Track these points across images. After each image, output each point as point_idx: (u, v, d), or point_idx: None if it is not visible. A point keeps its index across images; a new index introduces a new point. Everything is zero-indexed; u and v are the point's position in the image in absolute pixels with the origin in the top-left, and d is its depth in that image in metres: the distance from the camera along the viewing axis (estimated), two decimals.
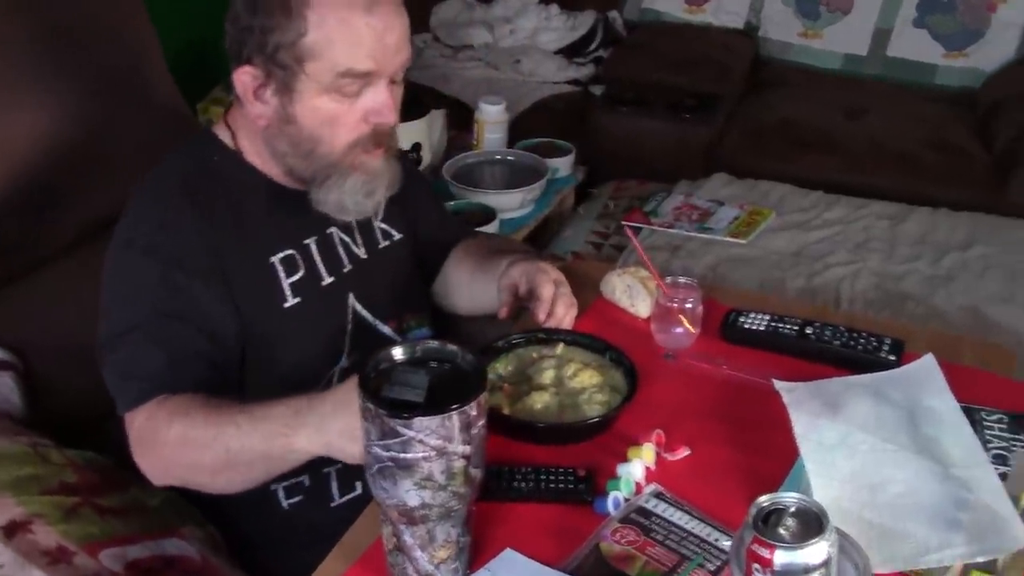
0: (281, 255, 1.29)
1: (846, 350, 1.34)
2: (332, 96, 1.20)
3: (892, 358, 1.34)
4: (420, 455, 0.91)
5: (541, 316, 1.35)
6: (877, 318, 1.94)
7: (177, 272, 1.21)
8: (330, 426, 1.06)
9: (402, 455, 0.91)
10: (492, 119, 2.66)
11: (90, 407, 1.50)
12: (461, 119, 2.85)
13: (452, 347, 0.99)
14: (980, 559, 1.03)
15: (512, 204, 2.48)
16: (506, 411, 1.23)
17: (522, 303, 1.40)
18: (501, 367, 1.32)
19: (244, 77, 1.22)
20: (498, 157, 2.66)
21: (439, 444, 0.91)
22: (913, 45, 3.21)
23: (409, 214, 1.48)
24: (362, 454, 0.96)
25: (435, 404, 0.91)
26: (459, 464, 0.93)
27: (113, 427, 1.24)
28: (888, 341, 1.36)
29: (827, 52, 3.31)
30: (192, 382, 1.18)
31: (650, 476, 1.15)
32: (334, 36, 1.16)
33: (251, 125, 1.27)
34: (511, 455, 1.18)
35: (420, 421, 0.90)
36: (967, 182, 2.75)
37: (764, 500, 0.88)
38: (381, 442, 0.91)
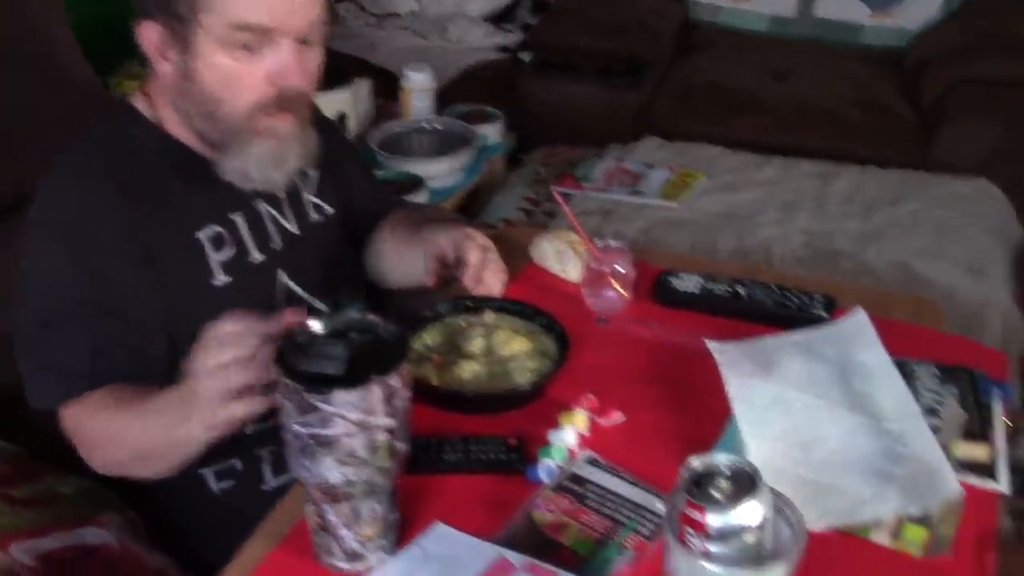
0: (207, 231, 1.23)
1: (777, 308, 1.33)
2: (230, 52, 1.13)
3: (823, 314, 1.33)
4: (341, 431, 0.87)
5: (469, 283, 1.31)
6: (808, 276, 1.94)
7: (95, 257, 1.15)
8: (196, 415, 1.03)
9: (322, 431, 0.87)
10: (418, 87, 2.61)
11: (8, 392, 1.44)
12: (388, 88, 2.79)
13: (373, 317, 0.95)
14: (914, 512, 1.02)
15: (440, 172, 2.44)
16: (435, 382, 1.20)
17: (450, 271, 1.36)
18: (429, 337, 1.29)
19: (147, 32, 1.16)
20: (425, 125, 2.62)
21: (360, 418, 0.87)
22: (839, 6, 3.22)
23: (342, 188, 1.43)
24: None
25: (355, 377, 0.87)
26: (382, 438, 0.89)
27: (26, 414, 1.19)
28: (819, 297, 1.36)
29: (755, 14, 3.31)
30: (116, 374, 1.14)
31: (584, 442, 1.13)
32: None
33: (167, 91, 1.20)
34: (441, 426, 1.15)
35: (339, 395, 0.86)
36: (894, 140, 2.77)
37: (696, 463, 0.86)
38: (300, 419, 0.87)
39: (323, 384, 0.86)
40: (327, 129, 1.40)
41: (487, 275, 1.32)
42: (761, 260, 2.13)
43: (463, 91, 2.96)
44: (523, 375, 1.21)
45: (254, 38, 1.12)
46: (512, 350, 1.25)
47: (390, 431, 0.90)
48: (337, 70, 2.59)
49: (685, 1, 3.37)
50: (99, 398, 1.12)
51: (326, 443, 0.88)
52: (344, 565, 0.97)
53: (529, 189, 2.62)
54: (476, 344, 1.26)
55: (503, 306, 1.32)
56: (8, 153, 1.49)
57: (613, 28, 3.11)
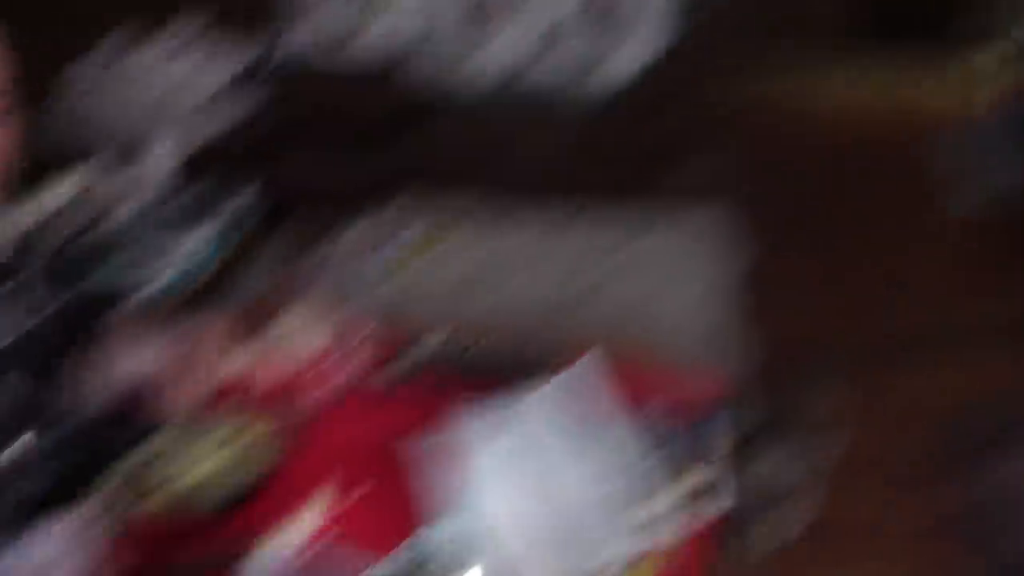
0: None
1: (511, 365, 1.38)
2: None
3: (549, 370, 1.38)
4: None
5: (206, 375, 1.29)
6: (547, 329, 2.02)
7: None
8: None
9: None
10: (158, 160, 2.55)
11: None
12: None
13: None
14: (645, 549, 1.09)
15: (189, 249, 2.37)
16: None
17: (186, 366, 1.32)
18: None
19: None
20: (170, 200, 2.54)
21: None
22: (561, 62, 3.36)
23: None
24: None
25: None
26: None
27: None
28: (549, 351, 1.41)
29: (483, 75, 3.40)
30: None
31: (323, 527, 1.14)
32: None
33: None
34: None
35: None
36: (622, 184, 2.89)
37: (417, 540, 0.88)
38: None
39: None
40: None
41: (225, 364, 1.29)
42: (503, 317, 2.20)
43: (211, 161, 2.89)
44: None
45: None
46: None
47: None
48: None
49: (413, 67, 3.44)
50: None
51: None
52: None
53: (282, 262, 2.58)
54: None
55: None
56: None
57: (356, 96, 3.15)
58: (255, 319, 1.42)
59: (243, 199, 2.67)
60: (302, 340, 1.44)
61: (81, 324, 1.44)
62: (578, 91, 3.36)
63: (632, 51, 3.35)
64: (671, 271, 2.35)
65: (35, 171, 1.28)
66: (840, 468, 2.36)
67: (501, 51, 3.40)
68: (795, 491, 2.26)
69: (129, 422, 1.31)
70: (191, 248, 2.42)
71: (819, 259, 3.52)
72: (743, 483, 1.29)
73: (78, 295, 1.37)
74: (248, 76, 3.36)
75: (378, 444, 1.28)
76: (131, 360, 1.31)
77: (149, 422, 1.29)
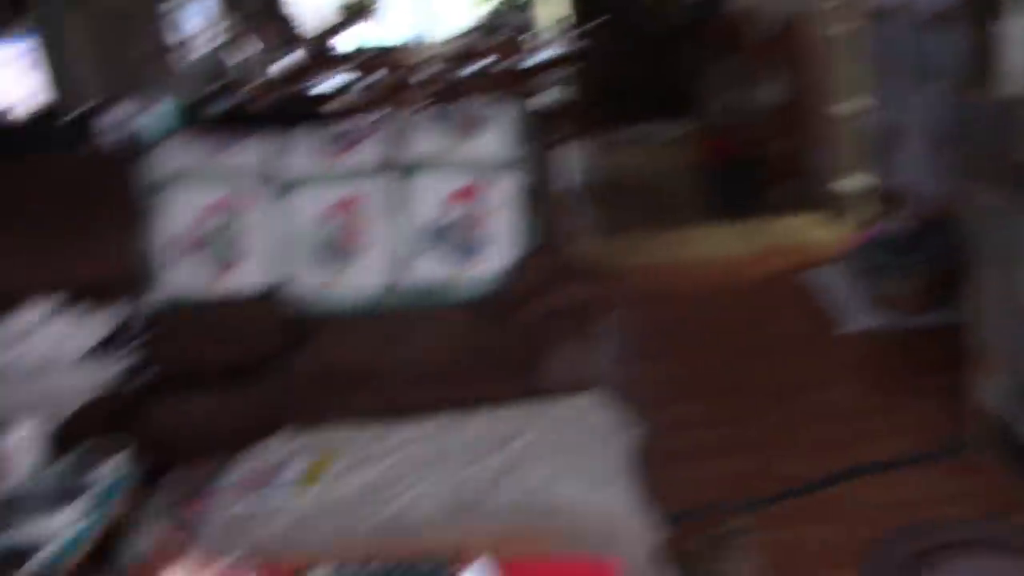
0: None
1: None
2: None
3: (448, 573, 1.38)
4: None
5: None
6: (445, 533, 2.00)
7: None
8: None
9: None
10: (16, 446, 2.47)
11: None
12: None
13: None
14: None
15: (59, 527, 2.28)
16: None
17: None
18: None
19: None
20: (33, 482, 2.45)
21: None
22: (428, 268, 3.47)
23: None
24: None
25: None
26: None
27: None
28: (440, 562, 1.41)
29: (353, 292, 3.48)
30: None
31: None
32: None
33: None
34: None
35: None
36: (505, 378, 2.97)
37: None
38: None
39: None
40: None
41: None
42: (401, 528, 2.17)
43: (81, 430, 2.82)
44: None
45: None
46: None
47: None
48: None
49: (283, 295, 3.50)
50: None
51: None
52: None
53: (170, 516, 2.52)
54: None
55: None
56: None
57: (221, 336, 3.17)
58: None
59: (118, 463, 2.61)
60: None
61: None
62: (452, 292, 3.46)
63: (500, 249, 3.48)
64: (566, 458, 2.37)
65: None
66: None
67: (367, 270, 3.49)
68: None
69: None
70: (69, 520, 2.33)
71: (716, 417, 3.65)
72: None
73: None
74: (113, 337, 3.34)
75: None
76: None
77: None
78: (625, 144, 8.14)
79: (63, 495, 2.38)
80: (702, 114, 6.55)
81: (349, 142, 3.59)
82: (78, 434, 2.79)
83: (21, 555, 2.15)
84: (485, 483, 2.30)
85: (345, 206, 3.50)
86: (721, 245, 5.67)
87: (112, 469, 2.57)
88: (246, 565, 1.36)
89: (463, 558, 1.42)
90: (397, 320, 3.37)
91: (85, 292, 3.46)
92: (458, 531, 1.98)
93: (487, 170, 3.52)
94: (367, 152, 3.55)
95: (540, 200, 3.59)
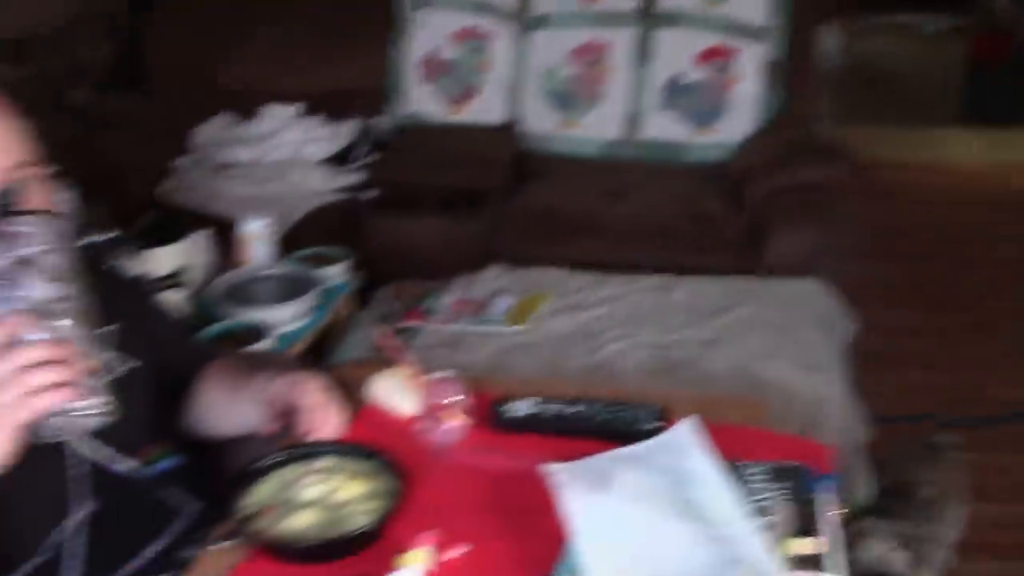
0: None
1: (608, 423, 1.36)
2: None
3: (655, 425, 1.36)
4: (40, 247, 1.06)
5: (308, 429, 1.30)
6: (646, 388, 1.99)
7: None
8: None
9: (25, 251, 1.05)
10: (256, 235, 2.61)
11: None
12: (230, 238, 2.78)
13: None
14: None
15: (284, 318, 2.42)
16: (270, 534, 1.17)
17: (287, 417, 1.35)
18: (264, 491, 1.26)
19: None
20: (267, 272, 2.61)
21: (43, 236, 1.06)
22: (662, 126, 3.39)
23: (147, 340, 1.40)
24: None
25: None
26: (67, 262, 1.09)
27: None
28: (652, 409, 1.39)
29: (584, 139, 3.45)
30: None
31: None
32: None
33: None
34: None
35: (29, 218, 1.07)
36: (724, 249, 2.90)
37: None
38: None
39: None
40: (127, 285, 1.44)
41: (322, 420, 1.31)
42: (608, 376, 2.18)
43: (308, 235, 2.97)
44: (360, 518, 1.20)
45: None
46: (348, 494, 1.23)
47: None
48: (173, 224, 2.58)
49: (516, 131, 3.50)
50: None
51: (31, 262, 1.05)
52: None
53: (379, 327, 2.62)
54: (312, 491, 1.24)
55: (340, 450, 1.31)
56: None
57: (450, 162, 3.20)
58: (350, 383, 1.43)
59: (339, 270, 2.72)
60: (398, 402, 1.45)
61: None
62: (687, 154, 3.37)
63: (739, 118, 3.34)
64: (780, 338, 2.29)
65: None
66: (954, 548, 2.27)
67: (603, 118, 3.43)
68: (906, 571, 2.17)
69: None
70: (294, 313, 2.46)
71: (933, 328, 3.46)
72: (850, 561, 1.23)
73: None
74: (348, 149, 3.44)
75: (476, 504, 1.26)
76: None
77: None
78: (889, 31, 7.55)
79: (291, 289, 2.52)
80: (980, 6, 5.99)
81: None
82: (306, 237, 2.93)
83: (256, 332, 2.30)
84: (693, 348, 2.27)
85: (590, 50, 3.42)
86: (974, 151, 5.23)
87: (334, 274, 2.68)
88: (455, 383, 1.38)
89: (670, 415, 1.39)
90: (624, 173, 3.31)
91: (328, 101, 3.56)
92: (663, 389, 1.97)
93: (741, 34, 3.35)
94: None
95: (790, 74, 3.40)
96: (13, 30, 3.34)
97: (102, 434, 1.27)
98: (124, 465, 1.31)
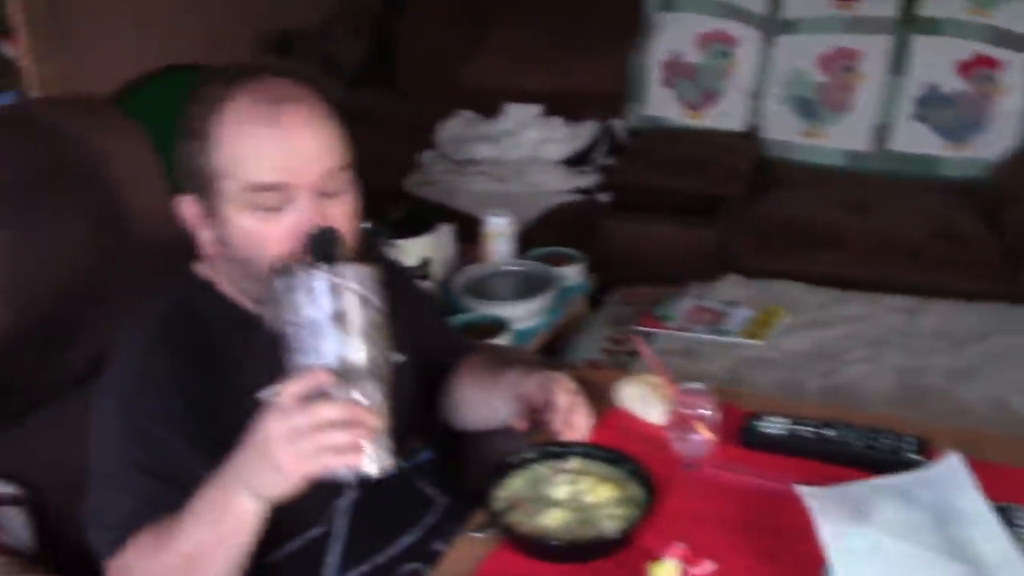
0: (269, 391, 1.25)
1: (868, 451, 1.31)
2: (252, 213, 1.18)
3: (917, 458, 1.30)
4: (355, 303, 1.05)
5: (557, 427, 1.32)
6: (899, 416, 1.90)
7: (154, 425, 1.19)
8: (251, 471, 1.08)
9: (340, 307, 1.05)
10: (499, 231, 2.67)
11: None
12: (469, 232, 2.86)
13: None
14: None
15: (524, 315, 2.47)
16: (521, 529, 1.20)
17: (537, 415, 1.37)
18: (515, 484, 1.29)
19: (182, 207, 1.24)
20: (507, 269, 2.66)
21: (366, 294, 1.06)
22: (914, 139, 3.23)
23: (412, 333, 1.45)
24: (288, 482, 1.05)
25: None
26: (380, 319, 1.08)
27: None
28: (911, 440, 1.33)
29: (829, 149, 3.33)
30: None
31: None
32: (238, 151, 1.17)
33: (213, 256, 1.27)
34: (529, 574, 1.15)
35: (349, 269, 1.07)
36: (979, 272, 2.74)
37: None
38: (312, 304, 1.04)
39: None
40: (395, 276, 1.43)
41: (576, 420, 1.33)
42: (850, 399, 2.10)
43: (542, 233, 3.01)
44: (610, 523, 1.21)
45: (272, 197, 1.18)
46: (599, 497, 1.24)
47: (383, 314, 1.09)
48: (421, 217, 2.67)
49: (758, 139, 3.42)
50: (136, 546, 1.15)
51: (347, 318, 1.04)
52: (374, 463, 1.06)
53: (610, 329, 2.64)
54: (562, 491, 1.26)
55: (588, 452, 1.32)
56: (116, 309, 1.56)
57: (688, 167, 3.17)
58: (588, 384, 1.44)
59: (574, 270, 2.74)
60: (646, 409, 1.44)
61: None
62: (939, 169, 3.20)
63: (996, 135, 3.15)
64: None
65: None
66: None
67: (852, 128, 3.31)
68: None
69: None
70: (532, 310, 2.50)
71: None
72: None
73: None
74: (587, 151, 3.47)
75: (725, 520, 1.24)
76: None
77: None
78: None
79: (529, 287, 2.56)
80: None
81: None
82: (541, 235, 2.97)
83: (498, 326, 2.36)
84: (944, 376, 2.15)
85: (841, 57, 3.30)
86: None
87: (571, 274, 2.71)
88: (706, 395, 1.36)
89: (930, 447, 1.32)
90: (869, 186, 3.18)
91: (568, 101, 3.60)
92: (909, 417, 1.87)
93: (1009, 43, 3.14)
94: (876, 3, 3.28)
95: None
96: (279, 24, 3.56)
97: None
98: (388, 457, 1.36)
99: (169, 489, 1.17)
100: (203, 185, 1.20)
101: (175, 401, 1.20)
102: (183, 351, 1.23)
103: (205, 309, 1.28)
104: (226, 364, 1.25)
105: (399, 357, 1.41)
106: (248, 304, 1.28)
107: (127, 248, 1.60)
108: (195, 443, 1.20)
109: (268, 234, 1.18)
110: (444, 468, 1.49)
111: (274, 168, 1.17)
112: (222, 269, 1.28)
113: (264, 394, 1.07)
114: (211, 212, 1.21)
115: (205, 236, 1.24)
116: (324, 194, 1.20)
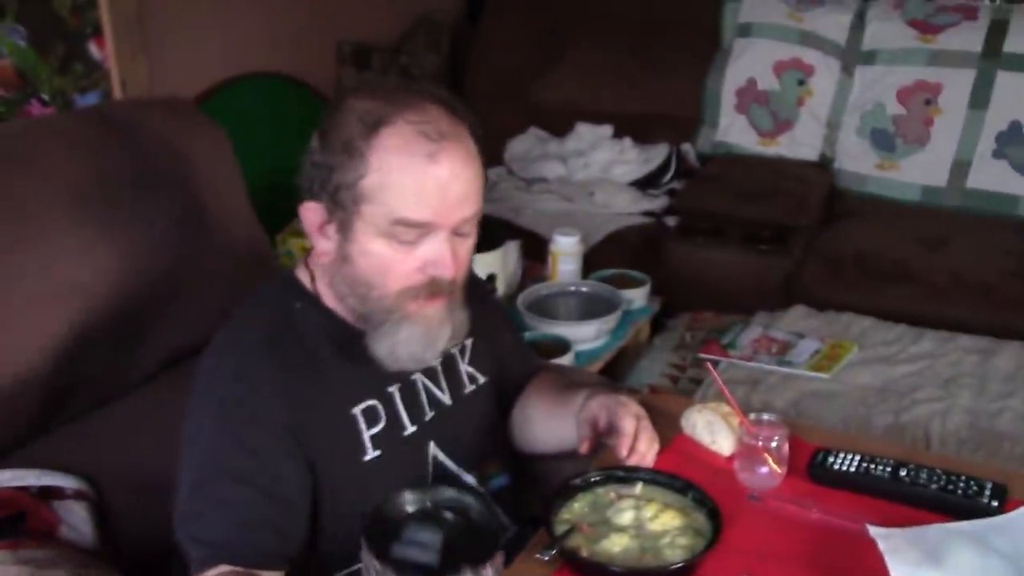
0: (363, 406, 1.26)
1: (944, 494, 1.27)
2: (387, 241, 1.17)
3: (994, 504, 1.26)
4: None
5: (623, 452, 1.30)
6: (972, 459, 1.86)
7: (251, 430, 1.18)
8: None
9: None
10: (566, 251, 2.67)
11: (162, 540, 1.49)
12: (535, 250, 2.86)
13: (467, 498, 0.94)
14: None
15: (587, 336, 2.46)
16: (584, 553, 1.18)
17: (601, 438, 1.36)
18: (578, 507, 1.27)
19: (308, 213, 1.22)
20: (573, 288, 2.65)
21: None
22: (993, 176, 3.16)
23: (495, 355, 1.45)
24: None
25: (448, 564, 0.85)
26: None
27: (180, 564, 1.22)
28: (989, 485, 1.29)
29: (904, 184, 3.27)
30: (253, 552, 1.15)
31: None
32: (392, 182, 1.14)
33: (324, 266, 1.26)
34: None
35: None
36: None
37: None
38: None
39: (417, 572, 0.84)
40: (480, 296, 1.43)
41: (641, 444, 1.31)
42: (919, 439, 2.04)
43: (608, 255, 3.00)
44: (674, 552, 1.18)
45: (412, 232, 1.16)
46: (663, 525, 1.22)
47: None
48: (488, 232, 2.67)
49: (831, 169, 3.37)
50: None
51: None
52: None
53: (674, 354, 2.61)
54: (626, 516, 1.24)
55: (654, 478, 1.30)
56: (186, 309, 1.58)
57: (759, 195, 3.13)
58: (651, 409, 1.42)
59: (639, 293, 2.72)
60: (713, 438, 1.42)
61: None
62: (1018, 208, 3.12)
63: None
64: None
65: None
66: None
67: (927, 163, 3.24)
68: None
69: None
70: (596, 331, 2.49)
71: None
72: None
73: None
74: (656, 173, 3.45)
75: (791, 556, 1.22)
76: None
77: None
78: None
79: (594, 307, 2.55)
80: None
81: (942, 22, 3.28)
82: (606, 256, 2.96)
83: (563, 346, 2.35)
84: (1017, 419, 2.09)
85: (921, 90, 3.23)
86: None
87: (635, 297, 2.69)
88: (777, 427, 1.34)
89: (1007, 494, 1.28)
90: (944, 222, 3.11)
91: (638, 123, 3.59)
92: (981, 461, 1.83)
93: None
94: (960, 36, 3.22)
95: None
96: (359, 36, 3.60)
97: (447, 447, 1.34)
98: (469, 477, 1.36)
99: (262, 502, 1.16)
100: (341, 201, 1.17)
101: (276, 410, 1.19)
102: (283, 356, 1.22)
103: (308, 319, 1.26)
104: (326, 375, 1.24)
105: (481, 379, 1.41)
106: (350, 318, 1.27)
107: (204, 250, 1.62)
108: (290, 454, 1.19)
109: (397, 265, 1.18)
110: (518, 495, 1.46)
111: (424, 207, 1.15)
112: (330, 279, 1.26)
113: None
114: (341, 227, 1.19)
115: (322, 246, 1.22)
116: (458, 234, 1.20)
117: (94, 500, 1.42)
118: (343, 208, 1.17)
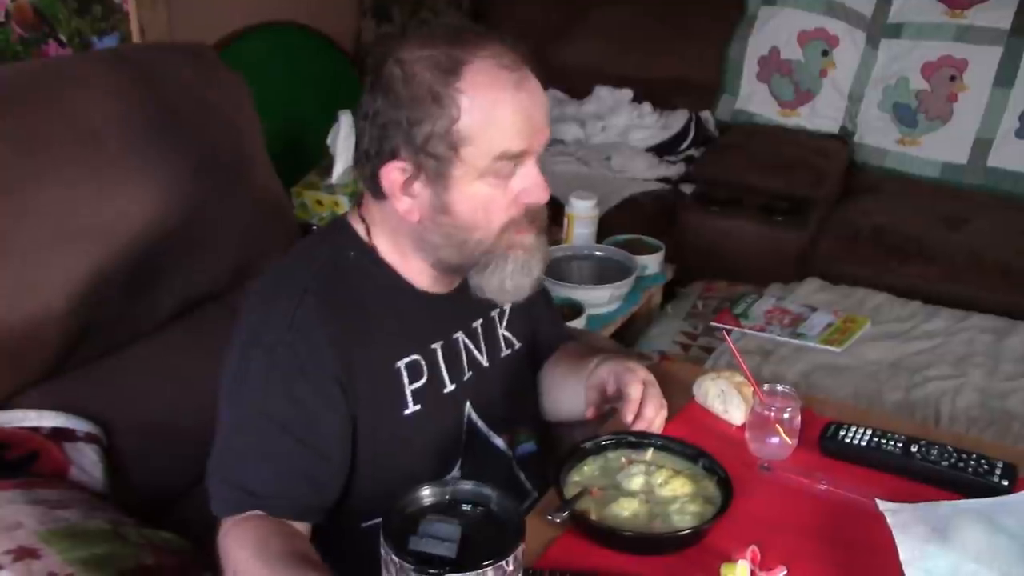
0: (407, 360, 1.26)
1: (954, 472, 1.26)
2: (487, 180, 1.17)
3: (1004, 483, 1.25)
4: None
5: (629, 417, 1.30)
6: (982, 438, 1.85)
7: (299, 380, 1.17)
8: None
9: None
10: (582, 214, 2.65)
11: (170, 485, 1.50)
12: (550, 213, 2.82)
13: (487, 490, 0.92)
14: None
15: (600, 300, 2.45)
16: (593, 516, 1.18)
17: (610, 404, 1.35)
18: (589, 470, 1.27)
19: (393, 173, 1.18)
20: (587, 253, 2.64)
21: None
22: (1015, 155, 3.13)
23: (530, 321, 1.45)
24: None
25: (468, 558, 0.83)
26: None
27: (189, 509, 1.22)
28: (1000, 465, 1.28)
29: (925, 160, 3.24)
30: (287, 503, 1.16)
31: None
32: (488, 118, 1.14)
33: (390, 221, 1.24)
34: (596, 562, 1.13)
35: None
36: None
37: None
38: None
39: (434, 566, 0.83)
40: None
41: (647, 410, 1.30)
42: (929, 416, 2.04)
43: (623, 220, 2.98)
44: (684, 518, 1.18)
45: (509, 165, 1.17)
46: (673, 491, 1.22)
47: None
48: None
49: (851, 142, 3.34)
50: (251, 530, 1.13)
51: None
52: None
53: (686, 322, 2.60)
54: (636, 481, 1.24)
55: (665, 444, 1.30)
56: (203, 255, 1.58)
57: (777, 166, 3.11)
58: (662, 376, 1.41)
59: (653, 259, 2.71)
60: (725, 407, 1.42)
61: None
62: None
63: None
64: None
65: None
66: None
67: (950, 139, 3.22)
68: None
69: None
70: (609, 295, 2.48)
71: None
72: None
73: None
74: (674, 140, 3.43)
75: (799, 527, 1.22)
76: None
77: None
78: None
79: (608, 272, 2.54)
80: None
81: None
82: (620, 222, 2.95)
83: (577, 310, 2.35)
84: None
85: (946, 65, 3.20)
86: None
87: (650, 263, 2.68)
88: (790, 399, 1.33)
89: (1017, 474, 1.27)
90: (964, 201, 3.10)
91: (659, 89, 3.56)
92: (992, 440, 1.82)
93: None
94: (989, 13, 3.17)
95: None
96: None
97: (481, 408, 1.34)
98: (499, 440, 1.37)
99: (302, 454, 1.16)
100: (433, 151, 1.15)
101: (327, 361, 1.18)
102: (335, 305, 1.21)
103: (362, 269, 1.25)
104: (374, 327, 1.23)
105: (517, 344, 1.41)
106: (411, 274, 1.27)
107: (221, 197, 1.61)
108: (333, 406, 1.19)
109: (497, 200, 1.18)
110: (544, 462, 1.46)
111: (521, 136, 1.15)
112: (415, 236, 1.23)
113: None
114: (434, 178, 1.17)
115: (406, 205, 1.20)
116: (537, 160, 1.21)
117: (104, 444, 1.43)
118: (436, 158, 1.16)
